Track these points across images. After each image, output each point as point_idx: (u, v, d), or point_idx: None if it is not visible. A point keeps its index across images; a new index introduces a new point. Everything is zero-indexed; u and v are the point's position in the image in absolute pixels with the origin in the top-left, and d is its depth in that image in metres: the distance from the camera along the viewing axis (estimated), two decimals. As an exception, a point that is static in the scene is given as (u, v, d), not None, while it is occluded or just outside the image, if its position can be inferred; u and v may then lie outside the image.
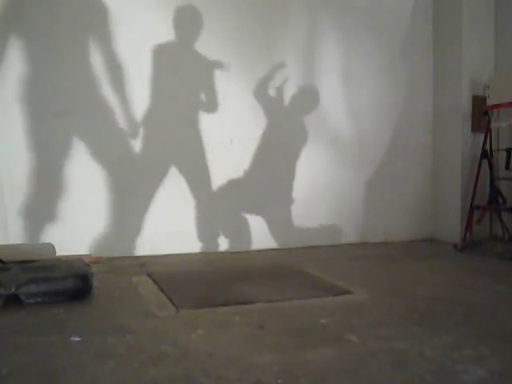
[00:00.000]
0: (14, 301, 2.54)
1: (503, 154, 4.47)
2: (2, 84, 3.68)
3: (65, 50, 3.84)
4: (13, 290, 2.54)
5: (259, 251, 4.35)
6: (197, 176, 4.25)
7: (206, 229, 4.28)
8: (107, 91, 3.93)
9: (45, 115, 3.78)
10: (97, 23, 3.92)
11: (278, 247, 4.48)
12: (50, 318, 2.38)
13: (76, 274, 2.71)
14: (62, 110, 3.81)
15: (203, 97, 4.24)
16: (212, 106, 4.24)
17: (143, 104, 4.06)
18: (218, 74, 4.24)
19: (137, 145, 4.05)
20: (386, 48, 4.85)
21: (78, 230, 3.85)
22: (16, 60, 3.71)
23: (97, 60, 3.89)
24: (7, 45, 3.69)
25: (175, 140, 4.19)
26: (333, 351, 1.95)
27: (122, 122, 3.98)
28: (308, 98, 4.59)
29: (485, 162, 4.48)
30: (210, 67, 4.22)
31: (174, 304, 2.61)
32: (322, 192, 4.64)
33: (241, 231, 4.40)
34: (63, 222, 3.81)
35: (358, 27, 4.74)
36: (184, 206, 4.19)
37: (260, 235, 4.43)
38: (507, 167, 4.37)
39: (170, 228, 4.12)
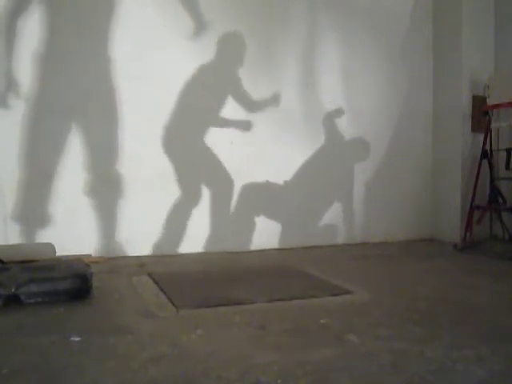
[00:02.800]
0: (14, 301, 2.54)
1: (503, 154, 4.46)
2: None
3: (69, 49, 3.85)
4: (13, 290, 2.54)
5: (259, 251, 4.35)
6: (196, 176, 4.26)
7: (206, 229, 4.27)
8: (107, 93, 3.94)
9: (46, 116, 3.78)
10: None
11: (279, 247, 4.48)
12: (50, 318, 2.38)
13: (76, 274, 2.71)
14: (63, 111, 3.82)
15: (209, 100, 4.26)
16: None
17: (141, 106, 4.06)
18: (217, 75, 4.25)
19: (136, 145, 4.04)
20: (386, 48, 4.85)
21: (78, 231, 3.85)
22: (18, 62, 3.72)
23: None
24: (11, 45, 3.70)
25: (174, 139, 4.18)
26: (333, 351, 1.95)
27: (122, 121, 3.99)
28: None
29: (485, 162, 4.48)
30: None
31: (173, 304, 2.61)
32: (322, 192, 4.64)
33: (241, 231, 4.40)
34: (63, 223, 3.80)
35: (358, 27, 4.74)
36: (184, 206, 4.18)
37: (260, 235, 4.43)
38: (507, 167, 4.36)
39: (170, 228, 4.12)
